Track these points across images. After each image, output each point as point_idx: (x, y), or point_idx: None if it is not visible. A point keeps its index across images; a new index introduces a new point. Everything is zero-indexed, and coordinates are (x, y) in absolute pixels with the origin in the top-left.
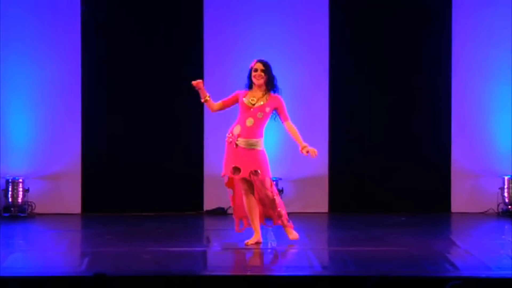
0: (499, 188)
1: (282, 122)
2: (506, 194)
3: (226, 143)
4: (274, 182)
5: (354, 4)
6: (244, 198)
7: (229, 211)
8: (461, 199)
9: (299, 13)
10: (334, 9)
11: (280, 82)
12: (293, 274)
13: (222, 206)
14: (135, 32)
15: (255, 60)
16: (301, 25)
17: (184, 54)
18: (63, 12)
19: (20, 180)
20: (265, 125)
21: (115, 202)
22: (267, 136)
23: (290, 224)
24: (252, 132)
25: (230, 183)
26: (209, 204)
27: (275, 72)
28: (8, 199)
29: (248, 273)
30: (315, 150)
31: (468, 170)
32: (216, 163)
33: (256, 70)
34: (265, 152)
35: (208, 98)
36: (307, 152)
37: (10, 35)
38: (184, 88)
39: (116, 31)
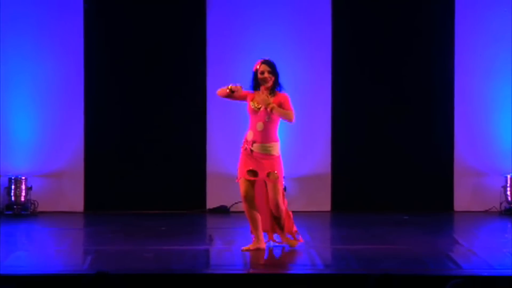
0: (502, 187)
1: None
2: (508, 193)
3: (242, 149)
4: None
5: (357, 4)
6: (245, 204)
7: (232, 209)
8: (463, 197)
9: (302, 12)
10: (337, 9)
11: (283, 81)
12: (295, 272)
13: (225, 204)
14: (137, 30)
15: (260, 62)
16: (304, 24)
17: (186, 53)
18: (65, 10)
19: (23, 178)
20: (277, 128)
21: (118, 200)
22: None
23: (299, 238)
24: (264, 136)
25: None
26: (211, 202)
27: (279, 70)
28: (11, 197)
29: (251, 271)
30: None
31: (470, 169)
32: (219, 161)
33: (262, 73)
34: (281, 159)
35: (231, 87)
36: (270, 107)
37: (13, 33)
38: (186, 87)
39: (119, 29)
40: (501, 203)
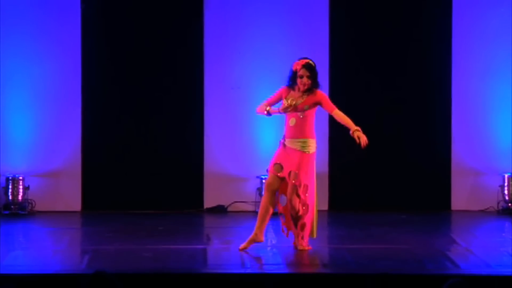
0: (499, 186)
1: (330, 114)
2: (506, 192)
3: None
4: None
5: (354, 4)
6: (265, 194)
7: (229, 209)
8: (461, 197)
9: (299, 12)
10: (335, 8)
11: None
12: (293, 271)
13: (222, 204)
14: (135, 30)
15: (300, 64)
16: (302, 24)
17: (184, 53)
18: (63, 9)
19: (20, 178)
20: (311, 124)
21: (115, 200)
22: (267, 131)
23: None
24: (296, 132)
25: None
26: (209, 202)
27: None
28: (8, 196)
29: (248, 271)
30: (365, 139)
31: (468, 168)
32: (216, 160)
33: (301, 77)
34: (313, 157)
35: (268, 109)
36: (358, 136)
37: (10, 33)
38: (184, 86)
39: (116, 29)
40: (498, 203)
